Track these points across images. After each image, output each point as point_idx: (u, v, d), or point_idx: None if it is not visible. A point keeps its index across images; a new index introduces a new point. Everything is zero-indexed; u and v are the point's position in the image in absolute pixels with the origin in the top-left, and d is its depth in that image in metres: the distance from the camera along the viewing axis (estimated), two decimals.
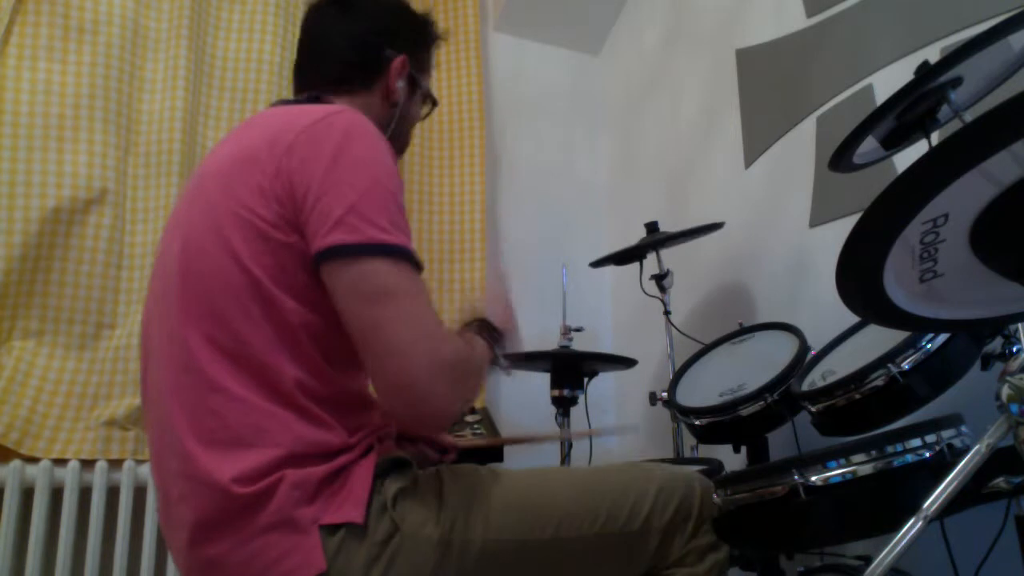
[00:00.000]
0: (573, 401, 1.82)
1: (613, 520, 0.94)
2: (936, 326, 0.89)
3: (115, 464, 1.76)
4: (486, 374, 0.99)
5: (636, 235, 1.90)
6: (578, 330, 1.87)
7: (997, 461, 0.77)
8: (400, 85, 1.11)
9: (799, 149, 1.76)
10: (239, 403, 0.84)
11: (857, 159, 1.13)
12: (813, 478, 0.89)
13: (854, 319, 1.22)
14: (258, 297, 0.86)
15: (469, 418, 1.81)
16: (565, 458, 1.84)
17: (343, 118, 0.92)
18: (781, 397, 1.26)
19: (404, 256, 0.86)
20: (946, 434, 0.90)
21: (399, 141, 1.16)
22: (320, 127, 0.90)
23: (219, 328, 0.86)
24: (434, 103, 1.21)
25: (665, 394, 1.54)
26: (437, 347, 0.84)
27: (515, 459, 2.00)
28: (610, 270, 2.37)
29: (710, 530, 0.98)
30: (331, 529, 0.82)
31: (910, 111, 0.99)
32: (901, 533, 0.75)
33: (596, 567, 0.95)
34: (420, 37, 1.16)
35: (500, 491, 0.93)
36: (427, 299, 0.87)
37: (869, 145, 1.10)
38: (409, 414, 0.86)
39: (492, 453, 1.64)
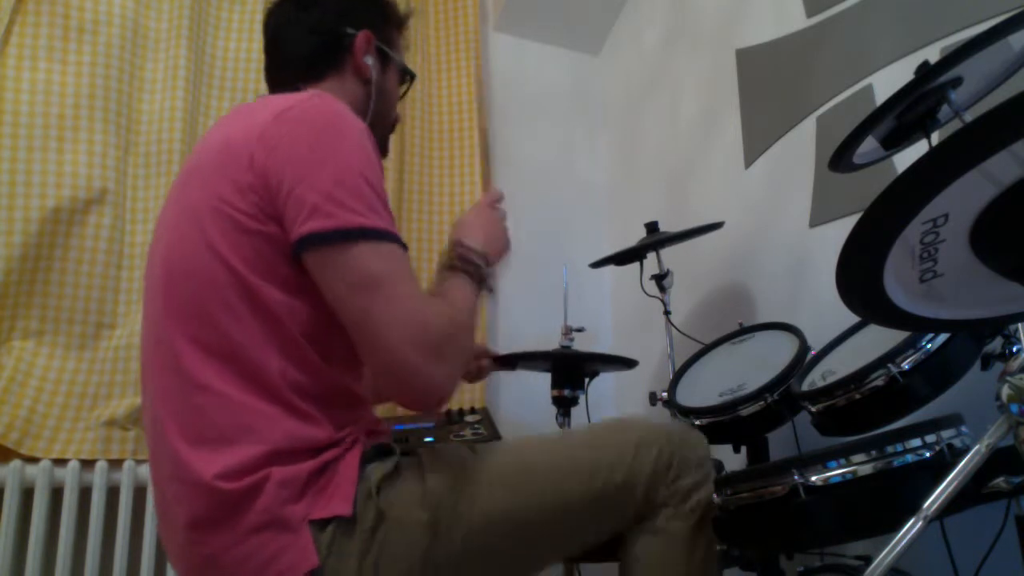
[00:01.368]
0: (574, 401, 1.81)
1: (596, 477, 0.96)
2: (936, 326, 0.89)
3: (115, 464, 1.76)
4: (474, 318, 0.97)
5: (636, 235, 1.89)
6: (579, 330, 1.87)
7: (997, 461, 0.78)
8: (369, 61, 1.10)
9: (799, 149, 1.76)
10: (224, 401, 0.84)
11: (857, 159, 1.13)
12: (813, 478, 0.89)
13: (854, 319, 1.22)
14: (241, 291, 0.85)
15: (469, 418, 1.81)
16: None
17: (314, 103, 0.91)
18: (781, 397, 1.26)
19: (383, 237, 0.85)
20: (946, 434, 0.90)
21: (383, 118, 1.16)
22: (291, 114, 0.89)
23: (203, 327, 0.86)
24: (412, 77, 1.21)
25: (665, 394, 1.54)
26: (427, 329, 0.84)
27: None
28: (610, 270, 2.37)
29: (691, 472, 1.00)
30: (321, 524, 0.82)
31: (910, 111, 0.99)
32: (901, 533, 0.75)
33: (586, 524, 0.96)
34: (381, 11, 1.16)
35: (482, 467, 0.94)
36: (412, 279, 0.86)
37: (869, 145, 1.10)
38: (405, 395, 0.87)
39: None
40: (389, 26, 1.17)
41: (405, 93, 1.22)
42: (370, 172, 0.88)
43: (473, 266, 0.99)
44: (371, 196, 0.87)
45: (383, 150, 1.19)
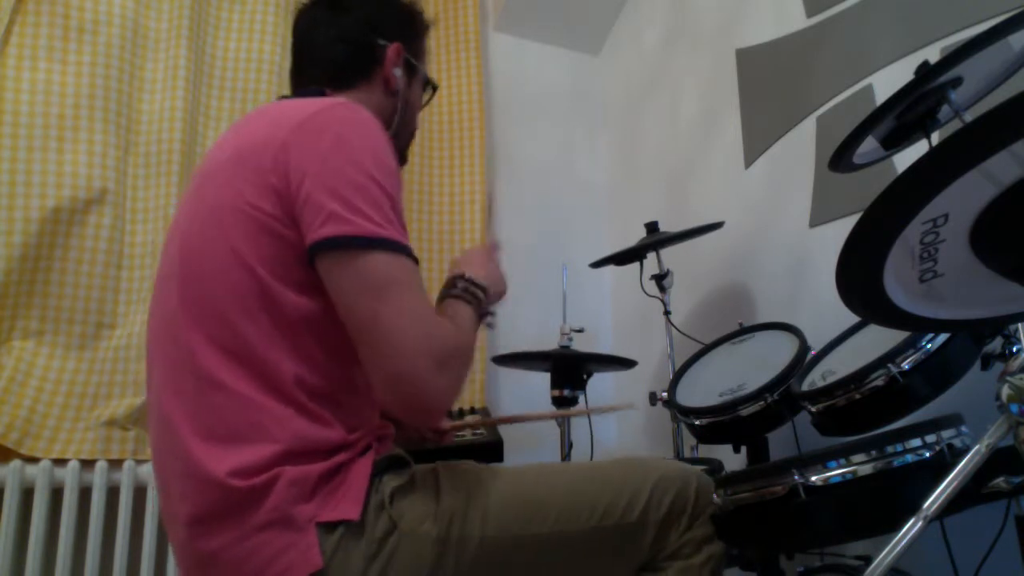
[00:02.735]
0: (573, 401, 1.82)
1: (610, 513, 0.95)
2: (936, 326, 0.89)
3: (115, 464, 1.76)
4: (474, 345, 0.98)
5: (636, 235, 1.90)
6: (578, 331, 1.87)
7: (997, 461, 0.78)
8: (398, 73, 1.11)
9: (799, 149, 1.76)
10: (238, 399, 0.84)
11: (857, 159, 1.13)
12: (813, 478, 0.89)
13: (854, 319, 1.22)
14: (259, 293, 0.86)
15: (469, 418, 1.81)
16: (565, 458, 1.84)
17: (339, 111, 0.91)
18: (781, 397, 1.26)
19: (399, 249, 0.86)
20: (946, 434, 0.90)
21: (406, 129, 1.17)
22: (316, 120, 0.90)
23: (220, 326, 0.86)
24: (434, 88, 1.22)
25: (665, 394, 1.54)
26: (433, 341, 0.85)
27: (515, 460, 1.99)
28: (610, 270, 2.37)
29: (706, 523, 0.99)
30: (329, 527, 0.82)
31: (910, 111, 0.99)
32: (901, 533, 0.75)
33: (593, 560, 0.95)
34: (410, 24, 1.16)
35: (497, 487, 0.94)
36: (423, 292, 0.87)
37: (869, 145, 1.10)
38: (405, 407, 0.87)
39: (491, 452, 1.64)
40: (417, 37, 1.18)
41: (427, 103, 1.23)
42: (387, 181, 0.89)
43: (475, 297, 1.01)
44: (387, 206, 0.87)
45: (403, 159, 1.19)
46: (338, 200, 0.84)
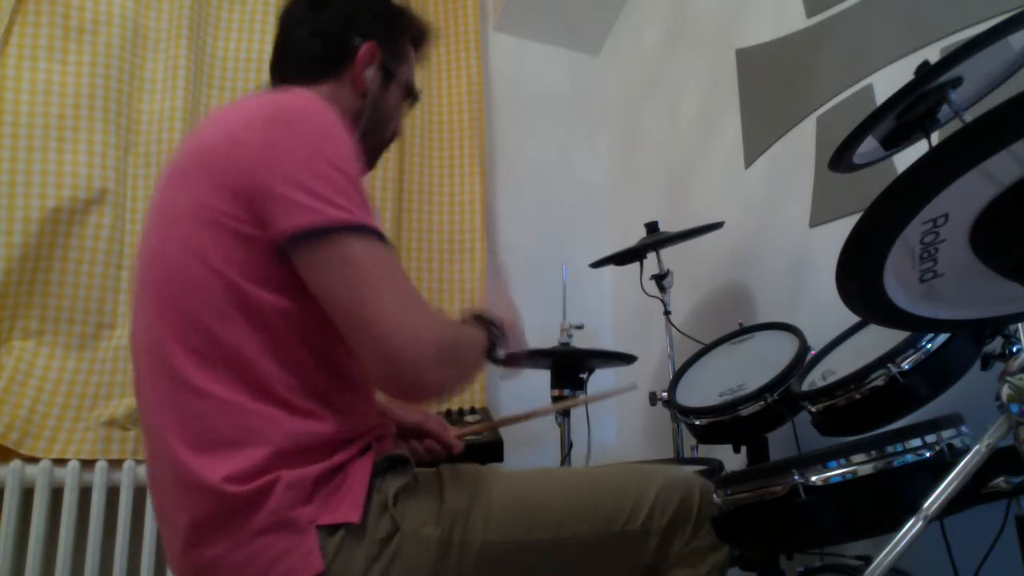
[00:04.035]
0: None
1: (613, 520, 0.94)
2: (936, 326, 0.89)
3: (115, 464, 1.76)
4: (480, 357, 0.97)
5: (636, 235, 1.90)
6: (579, 327, 1.87)
7: (997, 461, 0.78)
8: (369, 74, 1.07)
9: (799, 149, 1.76)
10: (225, 405, 0.83)
11: (857, 159, 1.13)
12: (813, 478, 0.89)
13: (854, 319, 1.22)
14: (233, 297, 0.84)
15: (469, 418, 1.81)
16: (565, 458, 1.84)
17: (294, 103, 0.89)
18: (781, 397, 1.26)
19: (370, 233, 0.85)
20: (946, 434, 0.90)
21: (376, 134, 1.11)
22: (268, 114, 0.88)
23: (196, 334, 0.85)
24: (415, 96, 1.17)
25: (665, 394, 1.54)
26: (415, 318, 0.84)
27: (515, 460, 1.99)
28: (610, 270, 2.37)
29: (710, 531, 0.98)
30: (330, 529, 0.82)
31: (910, 111, 0.99)
32: (901, 533, 0.75)
33: (595, 567, 0.94)
34: (392, 25, 1.12)
35: (500, 491, 0.93)
36: (401, 272, 0.86)
37: (869, 145, 1.10)
38: (395, 385, 0.86)
39: (492, 453, 1.64)
40: (402, 39, 1.13)
41: (408, 110, 1.18)
42: (347, 166, 0.87)
43: (491, 327, 1.00)
44: (353, 193, 0.85)
45: (371, 163, 1.15)
46: (302, 190, 0.83)
